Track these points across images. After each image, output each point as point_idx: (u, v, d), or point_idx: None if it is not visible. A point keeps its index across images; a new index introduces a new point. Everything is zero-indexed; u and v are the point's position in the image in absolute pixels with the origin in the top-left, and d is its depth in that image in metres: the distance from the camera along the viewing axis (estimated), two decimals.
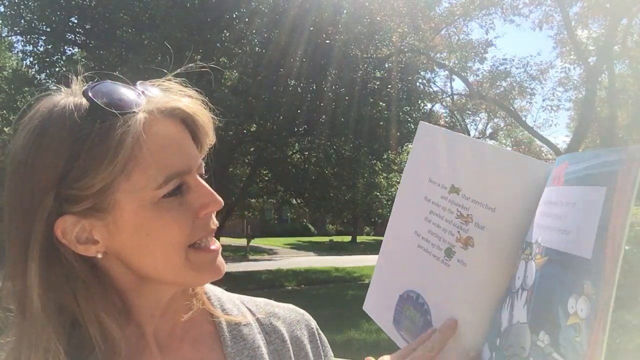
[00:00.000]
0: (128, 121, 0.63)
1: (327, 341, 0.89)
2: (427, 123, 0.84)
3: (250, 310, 0.84)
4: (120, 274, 0.71)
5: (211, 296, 0.82)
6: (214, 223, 0.72)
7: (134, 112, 0.65)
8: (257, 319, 0.83)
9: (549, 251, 0.61)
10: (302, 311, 0.89)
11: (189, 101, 0.71)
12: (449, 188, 0.76)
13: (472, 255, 0.72)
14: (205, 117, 0.72)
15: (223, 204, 0.71)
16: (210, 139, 0.74)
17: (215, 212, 0.72)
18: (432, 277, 0.76)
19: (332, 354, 0.89)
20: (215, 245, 0.72)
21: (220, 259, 0.73)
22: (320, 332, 0.89)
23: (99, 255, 0.67)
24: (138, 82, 0.71)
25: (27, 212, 0.65)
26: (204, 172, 0.73)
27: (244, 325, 0.80)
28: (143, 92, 0.68)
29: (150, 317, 0.74)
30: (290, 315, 0.87)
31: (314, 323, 0.89)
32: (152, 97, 0.68)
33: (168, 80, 0.74)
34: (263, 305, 0.86)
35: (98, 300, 0.67)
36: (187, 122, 0.71)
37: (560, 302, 0.57)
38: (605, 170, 0.57)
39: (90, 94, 0.65)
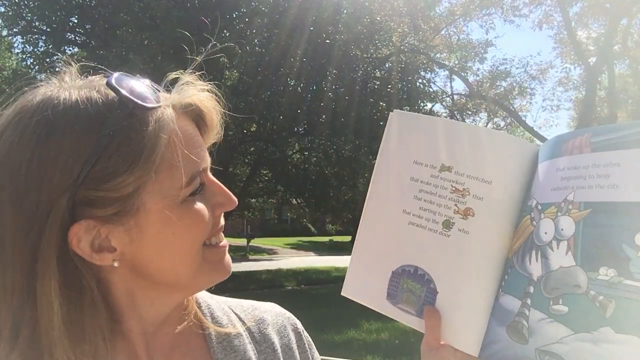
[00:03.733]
0: (160, 116, 0.59)
1: (311, 340, 0.89)
2: (400, 111, 0.89)
3: (238, 316, 0.82)
4: (122, 287, 0.65)
5: (201, 303, 0.79)
6: (223, 220, 0.72)
7: (161, 106, 0.60)
8: (247, 328, 0.81)
9: (590, 204, 0.72)
10: (288, 314, 0.88)
11: (205, 97, 0.67)
12: (439, 167, 0.83)
13: (473, 223, 0.80)
14: (215, 115, 0.69)
15: (237, 202, 0.70)
16: (214, 137, 0.72)
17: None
18: (430, 249, 0.83)
19: (317, 352, 0.89)
20: (224, 241, 0.72)
21: (228, 257, 0.72)
22: (305, 332, 0.89)
23: (115, 264, 0.61)
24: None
25: (31, 219, 0.56)
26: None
27: (234, 336, 0.78)
28: (152, 86, 0.65)
29: (143, 333, 0.70)
30: (277, 321, 0.85)
31: (299, 324, 0.88)
32: (177, 91, 0.65)
33: (186, 72, 0.69)
34: (250, 310, 0.84)
35: (100, 319, 0.60)
36: (197, 118, 0.68)
37: (624, 241, 0.68)
38: None
39: (114, 85, 0.59)
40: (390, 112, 0.89)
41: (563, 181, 0.76)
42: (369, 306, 0.87)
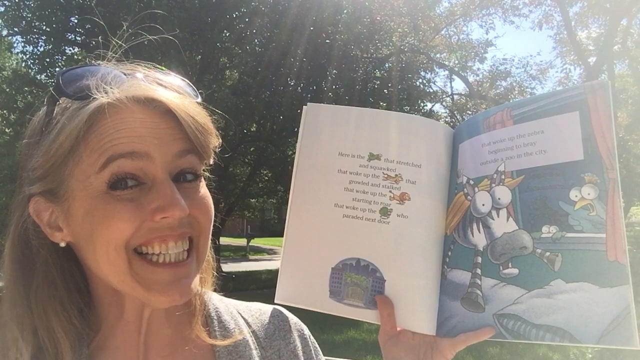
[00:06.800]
0: (85, 105, 0.61)
1: (317, 345, 0.88)
2: (315, 104, 0.89)
3: (246, 321, 0.81)
4: (97, 278, 0.68)
5: (209, 306, 0.78)
6: (175, 228, 0.63)
7: (93, 97, 0.61)
8: (253, 332, 0.80)
9: (522, 171, 0.76)
10: (295, 319, 0.87)
11: (170, 95, 0.64)
12: (367, 157, 0.84)
13: (411, 207, 0.82)
14: (187, 114, 0.63)
15: (186, 212, 0.62)
16: (204, 139, 0.65)
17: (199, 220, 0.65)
18: (370, 239, 0.82)
19: (323, 358, 0.88)
20: (180, 260, 0.64)
21: (185, 281, 0.64)
22: (312, 337, 0.88)
23: (62, 244, 0.66)
24: (133, 66, 0.68)
25: (16, 206, 0.68)
26: (198, 176, 0.67)
27: (240, 341, 0.77)
28: (130, 77, 0.65)
29: (134, 331, 0.69)
30: (284, 326, 0.84)
31: (306, 330, 0.87)
32: (132, 84, 0.63)
33: (163, 71, 0.69)
34: (258, 314, 0.84)
35: (49, 299, 0.65)
36: (170, 116, 0.63)
37: (560, 199, 0.72)
38: (570, 102, 0.74)
39: (59, 79, 0.63)
40: (304, 106, 0.88)
41: (491, 154, 0.80)
42: (310, 308, 0.85)
